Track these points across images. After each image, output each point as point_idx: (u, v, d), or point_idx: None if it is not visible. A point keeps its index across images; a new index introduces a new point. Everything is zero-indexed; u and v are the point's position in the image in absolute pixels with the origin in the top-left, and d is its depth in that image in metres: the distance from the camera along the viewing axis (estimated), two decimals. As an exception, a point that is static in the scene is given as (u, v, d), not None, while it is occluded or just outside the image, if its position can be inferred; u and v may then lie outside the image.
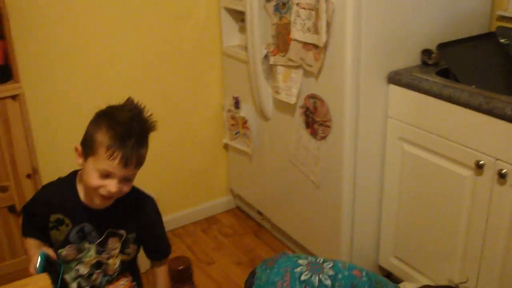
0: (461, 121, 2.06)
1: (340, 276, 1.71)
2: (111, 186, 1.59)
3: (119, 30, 2.78)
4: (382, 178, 2.47)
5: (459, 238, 2.20)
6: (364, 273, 1.74)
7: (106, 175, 1.58)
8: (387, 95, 2.31)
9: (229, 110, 3.09)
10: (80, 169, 1.70)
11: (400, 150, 2.34)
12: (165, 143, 3.08)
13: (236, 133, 3.10)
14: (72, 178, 1.74)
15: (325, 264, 1.76)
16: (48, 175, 2.68)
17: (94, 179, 1.59)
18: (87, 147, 1.61)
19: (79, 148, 1.65)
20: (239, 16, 2.91)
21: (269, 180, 2.96)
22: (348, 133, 2.30)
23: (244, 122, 2.98)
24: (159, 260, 1.88)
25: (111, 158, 1.55)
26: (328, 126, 2.35)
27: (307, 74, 2.39)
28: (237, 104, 3.02)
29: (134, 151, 1.58)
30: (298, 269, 1.75)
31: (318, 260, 1.80)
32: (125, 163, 1.57)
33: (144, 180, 3.05)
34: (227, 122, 3.14)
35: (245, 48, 2.76)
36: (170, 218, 3.23)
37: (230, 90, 3.07)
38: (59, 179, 1.79)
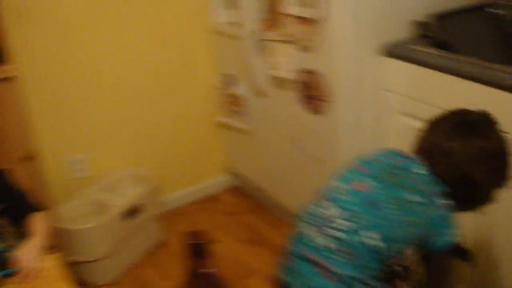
0: (460, 92, 2.03)
1: None
2: None
3: (110, 11, 2.77)
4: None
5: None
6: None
7: None
8: (385, 68, 2.29)
9: (223, 88, 3.07)
10: None
11: (398, 123, 2.32)
12: (159, 124, 3.08)
13: (232, 111, 3.08)
14: None
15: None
16: (50, 159, 2.71)
17: None
18: None
19: None
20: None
21: (268, 157, 2.95)
22: (345, 106, 2.28)
23: (239, 99, 2.96)
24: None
25: None
26: (324, 101, 2.33)
27: (302, 48, 2.36)
28: (231, 81, 2.99)
29: None
30: None
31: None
32: None
33: (141, 160, 3.07)
34: (221, 100, 3.12)
35: (236, 24, 2.72)
36: (169, 198, 3.23)
37: (223, 68, 3.04)
38: None
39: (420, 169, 1.52)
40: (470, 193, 1.54)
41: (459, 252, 1.96)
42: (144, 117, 3.05)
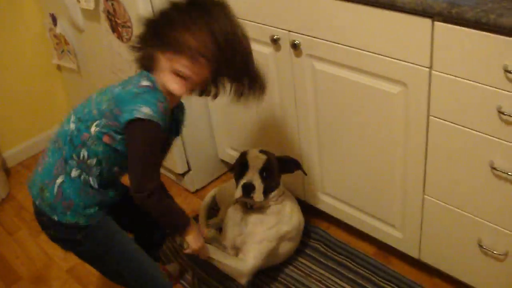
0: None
1: None
2: None
3: None
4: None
5: (277, 118, 2.21)
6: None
7: None
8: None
9: (50, 29, 2.92)
10: None
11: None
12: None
13: (62, 51, 2.95)
14: None
15: None
16: None
17: None
18: None
19: None
20: None
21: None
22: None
23: (64, 38, 2.83)
24: None
25: None
26: (129, 27, 2.26)
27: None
28: (54, 21, 2.85)
29: None
30: None
31: None
32: None
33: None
34: (51, 41, 2.98)
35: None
36: (18, 149, 3.14)
37: (46, 8, 2.89)
38: None
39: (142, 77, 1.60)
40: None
41: (292, 163, 2.03)
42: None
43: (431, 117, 1.68)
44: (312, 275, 2.15)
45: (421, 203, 1.88)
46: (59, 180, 1.63)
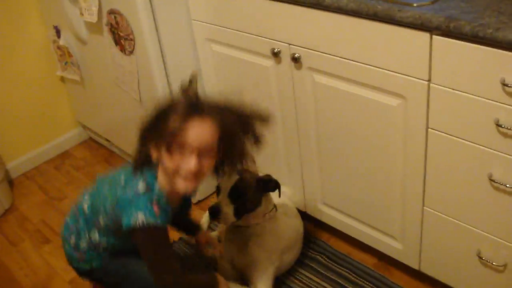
0: (255, 12, 2.01)
1: None
2: None
3: None
4: (202, 82, 2.44)
5: (278, 130, 2.23)
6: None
7: None
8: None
9: (54, 41, 2.96)
10: None
11: (209, 50, 2.31)
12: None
13: (65, 63, 2.98)
14: None
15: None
16: None
17: None
18: None
19: None
20: None
21: (104, 106, 2.89)
22: (151, 43, 2.24)
23: (68, 50, 2.86)
24: None
25: None
26: (132, 40, 2.28)
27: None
28: (58, 33, 2.88)
29: None
30: None
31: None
32: None
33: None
34: (55, 53, 3.01)
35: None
36: (22, 160, 3.15)
37: (50, 20, 2.92)
38: None
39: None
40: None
41: (272, 183, 2.02)
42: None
43: (430, 130, 1.69)
44: (313, 286, 2.16)
45: (420, 214, 1.89)
46: (72, 240, 1.85)
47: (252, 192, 1.99)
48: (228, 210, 1.94)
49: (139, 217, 1.56)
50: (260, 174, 2.08)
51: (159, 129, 1.55)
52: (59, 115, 3.27)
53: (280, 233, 2.10)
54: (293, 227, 2.17)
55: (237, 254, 2.09)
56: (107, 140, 3.14)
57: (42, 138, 3.24)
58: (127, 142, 2.86)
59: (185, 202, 1.89)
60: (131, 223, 1.57)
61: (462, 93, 1.55)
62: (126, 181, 1.65)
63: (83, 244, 1.82)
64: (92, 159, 3.19)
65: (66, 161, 3.22)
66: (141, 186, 1.61)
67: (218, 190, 2.00)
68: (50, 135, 3.26)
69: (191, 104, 1.57)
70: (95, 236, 1.79)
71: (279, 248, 2.08)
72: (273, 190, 2.05)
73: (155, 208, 1.59)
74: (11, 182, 3.08)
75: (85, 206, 1.79)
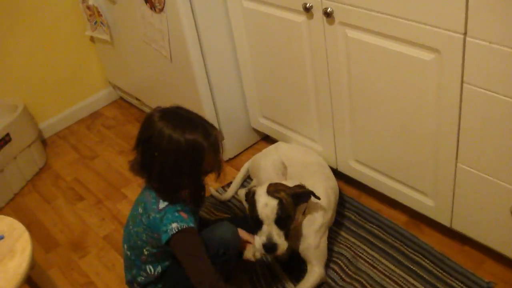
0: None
1: None
2: None
3: None
4: (232, 40, 2.43)
5: (309, 87, 2.22)
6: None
7: None
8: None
9: (83, 1, 2.96)
10: None
11: (240, 7, 2.29)
12: (26, 47, 2.97)
13: (95, 23, 2.99)
14: None
15: None
16: None
17: None
18: None
19: None
20: None
21: (134, 65, 2.90)
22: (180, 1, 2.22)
23: (97, 10, 2.86)
24: None
25: None
26: (162, -3, 2.27)
27: None
28: (87, -8, 2.88)
29: None
30: None
31: None
32: None
33: (16, 89, 2.98)
34: (84, 13, 3.01)
35: None
36: (54, 120, 3.20)
37: (79, -21, 2.92)
38: None
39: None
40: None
41: (306, 194, 1.96)
42: (6, 44, 2.92)
43: (464, 84, 1.66)
44: (342, 243, 2.17)
45: (453, 171, 1.87)
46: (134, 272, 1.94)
47: (294, 211, 1.92)
48: (280, 239, 1.87)
49: (173, 226, 1.72)
50: (289, 184, 1.98)
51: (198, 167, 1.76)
52: (89, 75, 3.29)
53: (321, 211, 2.05)
54: (332, 189, 2.16)
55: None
56: (138, 99, 3.16)
57: (73, 98, 3.28)
58: (158, 100, 2.86)
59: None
60: (169, 234, 1.72)
61: (500, 46, 1.51)
62: (144, 209, 1.80)
63: (141, 279, 1.92)
64: (122, 118, 3.22)
65: (97, 121, 3.26)
66: (161, 204, 1.77)
67: (256, 221, 1.89)
68: (81, 95, 3.30)
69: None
70: (150, 268, 1.88)
71: (325, 221, 2.06)
72: (307, 201, 1.99)
73: (183, 214, 1.75)
74: (44, 142, 3.13)
75: (128, 254, 1.91)
